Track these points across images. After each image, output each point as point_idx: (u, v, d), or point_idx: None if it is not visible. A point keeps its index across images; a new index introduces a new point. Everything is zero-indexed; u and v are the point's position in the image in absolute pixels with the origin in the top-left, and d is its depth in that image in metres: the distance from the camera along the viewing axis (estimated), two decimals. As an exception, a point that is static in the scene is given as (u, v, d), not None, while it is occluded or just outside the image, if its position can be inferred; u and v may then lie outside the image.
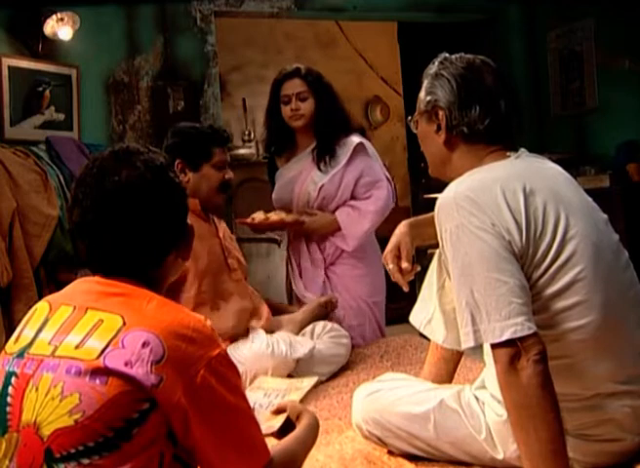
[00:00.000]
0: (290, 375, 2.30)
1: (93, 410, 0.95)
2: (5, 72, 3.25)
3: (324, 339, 2.55)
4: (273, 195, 3.06)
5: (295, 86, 2.89)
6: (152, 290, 1.10)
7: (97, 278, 1.12)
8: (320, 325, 2.63)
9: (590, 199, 1.51)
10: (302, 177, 2.94)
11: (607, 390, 1.38)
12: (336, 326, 2.67)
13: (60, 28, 3.36)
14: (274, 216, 2.86)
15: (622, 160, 3.75)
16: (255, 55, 5.88)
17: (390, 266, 1.71)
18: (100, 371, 0.97)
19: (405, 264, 1.68)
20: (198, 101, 3.85)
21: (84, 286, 1.13)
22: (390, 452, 1.66)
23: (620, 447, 1.41)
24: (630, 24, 3.84)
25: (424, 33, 4.84)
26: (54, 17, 3.33)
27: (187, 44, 3.85)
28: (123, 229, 1.09)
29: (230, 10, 3.98)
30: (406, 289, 1.71)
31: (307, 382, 1.52)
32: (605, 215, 1.51)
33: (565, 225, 1.37)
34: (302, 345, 2.39)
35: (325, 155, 2.87)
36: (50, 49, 3.48)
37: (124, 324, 1.01)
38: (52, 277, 3.04)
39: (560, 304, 1.35)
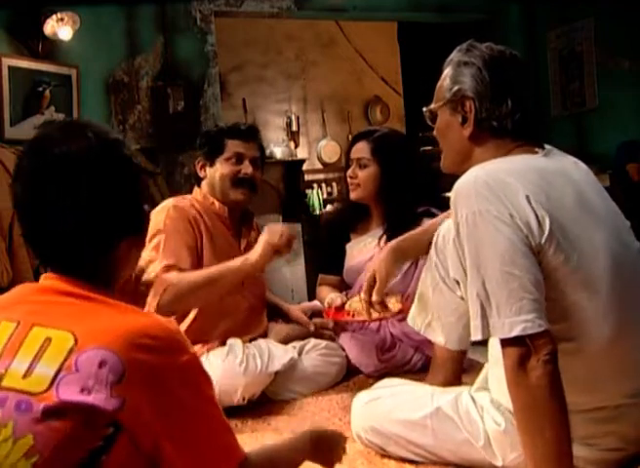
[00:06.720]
0: (265, 390, 2.18)
1: (49, 451, 0.85)
2: (5, 72, 3.25)
3: (312, 356, 2.38)
4: (344, 273, 2.64)
5: (358, 150, 2.54)
6: (104, 284, 1.02)
7: (41, 281, 1.02)
8: (312, 342, 2.45)
9: (614, 203, 1.44)
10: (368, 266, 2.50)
11: (615, 402, 1.34)
12: (331, 344, 2.48)
13: (60, 28, 3.37)
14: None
15: (622, 160, 3.75)
16: (255, 55, 5.88)
17: (362, 295, 1.64)
18: (54, 407, 0.86)
19: (375, 297, 1.59)
20: (198, 101, 3.85)
21: (27, 290, 1.03)
22: (390, 453, 1.66)
23: (623, 455, 1.38)
24: (630, 24, 3.84)
25: (424, 33, 4.85)
26: (54, 17, 3.33)
27: (187, 44, 3.86)
28: (66, 203, 0.98)
29: (230, 10, 3.99)
30: (368, 318, 1.62)
31: None
32: (628, 222, 1.44)
33: (589, 235, 1.31)
34: (282, 356, 2.24)
35: None
36: (50, 49, 3.48)
37: (75, 342, 0.89)
38: (52, 277, 3.03)
39: (576, 316, 1.29)
